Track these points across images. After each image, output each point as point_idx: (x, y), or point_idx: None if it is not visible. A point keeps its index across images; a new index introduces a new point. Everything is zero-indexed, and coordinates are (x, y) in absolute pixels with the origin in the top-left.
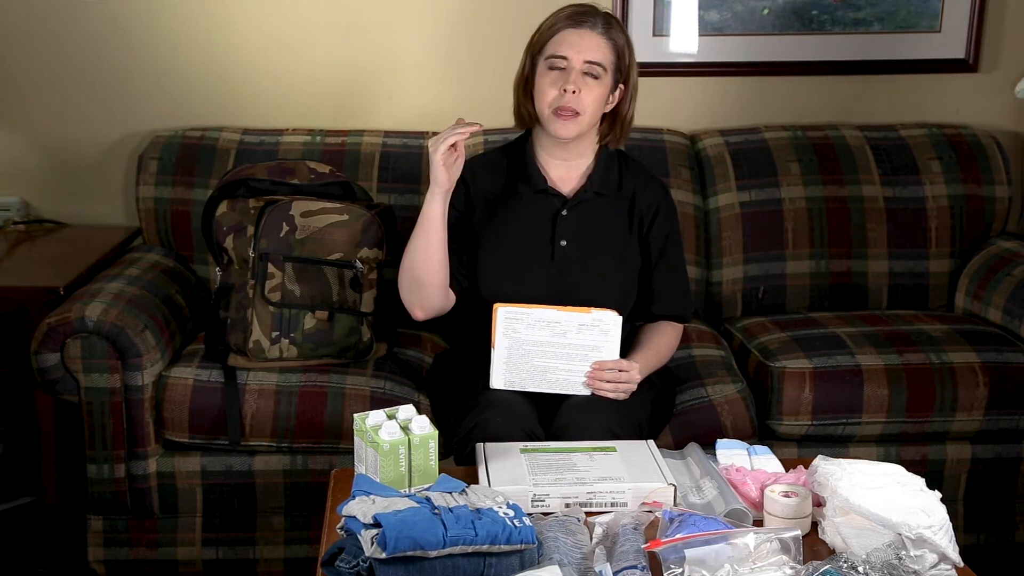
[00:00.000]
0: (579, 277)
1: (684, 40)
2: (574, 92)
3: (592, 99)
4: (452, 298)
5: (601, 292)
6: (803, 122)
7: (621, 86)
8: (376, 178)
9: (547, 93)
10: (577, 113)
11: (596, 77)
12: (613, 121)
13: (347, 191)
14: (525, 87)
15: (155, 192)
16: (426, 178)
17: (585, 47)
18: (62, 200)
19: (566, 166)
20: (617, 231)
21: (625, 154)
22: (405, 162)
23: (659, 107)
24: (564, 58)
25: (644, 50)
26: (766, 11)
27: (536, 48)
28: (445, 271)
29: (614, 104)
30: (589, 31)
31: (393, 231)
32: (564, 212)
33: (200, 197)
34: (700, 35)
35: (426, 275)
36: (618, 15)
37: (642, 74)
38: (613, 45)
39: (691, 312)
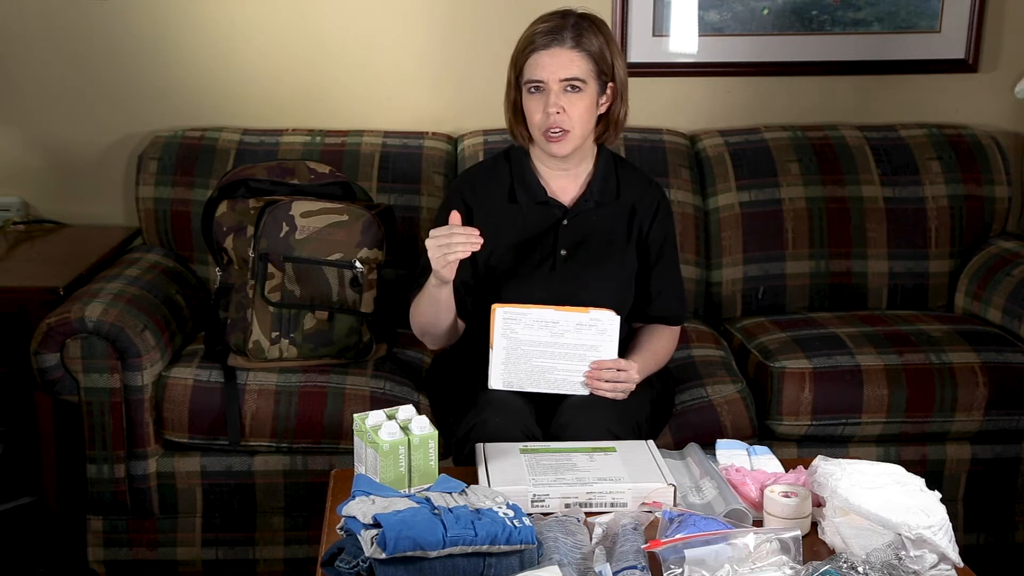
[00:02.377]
0: (579, 286)
1: (684, 40)
2: (558, 113)
3: (579, 113)
4: (461, 327)
5: (600, 300)
6: (803, 122)
7: (611, 84)
8: (376, 178)
9: (534, 116)
10: (567, 130)
11: (577, 91)
12: (607, 121)
13: (347, 191)
14: (515, 109)
15: (155, 192)
16: (425, 178)
17: (558, 66)
18: (62, 200)
19: (565, 176)
20: (617, 239)
21: (621, 159)
22: (405, 162)
23: (659, 107)
24: (540, 81)
25: (644, 50)
26: (766, 11)
27: (517, 68)
28: (454, 322)
29: (607, 104)
30: (558, 49)
31: (393, 231)
32: (565, 222)
33: (200, 197)
34: (700, 35)
35: (435, 329)
36: (618, 15)
37: (642, 74)
38: (587, 55)
39: (684, 315)
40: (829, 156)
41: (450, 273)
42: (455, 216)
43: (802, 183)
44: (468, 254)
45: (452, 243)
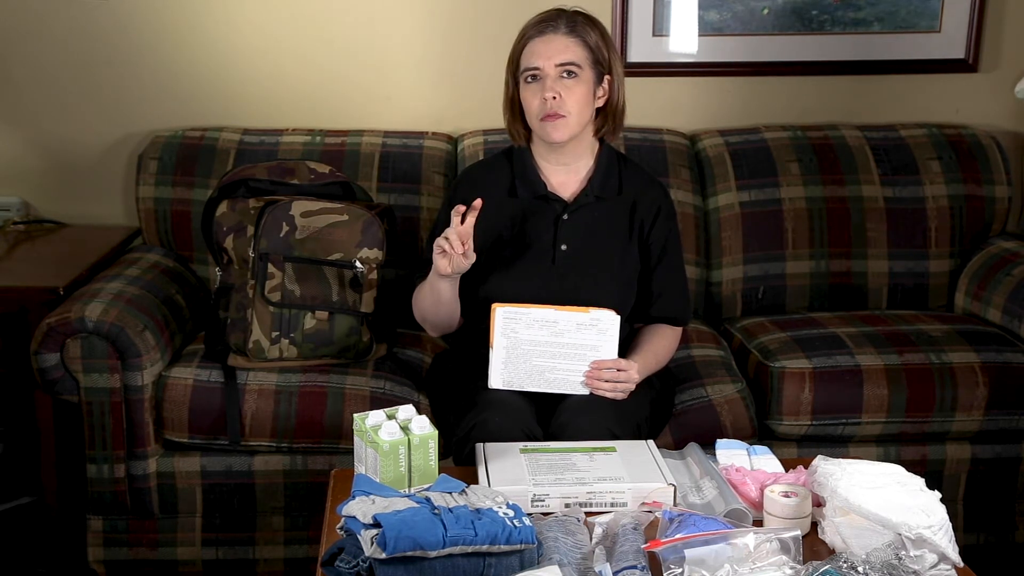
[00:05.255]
0: (580, 281)
1: (684, 40)
2: (554, 98)
3: (575, 99)
4: (459, 319)
5: (601, 296)
6: (803, 122)
7: (607, 77)
8: (376, 178)
9: (531, 105)
10: (563, 115)
11: (573, 76)
12: (606, 113)
13: (347, 191)
14: (512, 108)
15: (155, 192)
16: (425, 178)
17: (553, 51)
18: (62, 200)
19: (565, 170)
20: (617, 235)
21: (625, 157)
22: (405, 162)
23: (659, 107)
24: (537, 68)
25: (644, 50)
26: (766, 11)
27: (514, 66)
28: (455, 313)
29: (604, 97)
30: (553, 35)
31: (393, 231)
32: (565, 216)
33: (200, 197)
34: (700, 35)
35: (437, 319)
36: (618, 15)
37: (642, 74)
38: (582, 42)
39: (689, 315)
40: (829, 156)
41: (443, 268)
42: (458, 210)
43: (802, 183)
44: (447, 263)
45: (442, 244)
